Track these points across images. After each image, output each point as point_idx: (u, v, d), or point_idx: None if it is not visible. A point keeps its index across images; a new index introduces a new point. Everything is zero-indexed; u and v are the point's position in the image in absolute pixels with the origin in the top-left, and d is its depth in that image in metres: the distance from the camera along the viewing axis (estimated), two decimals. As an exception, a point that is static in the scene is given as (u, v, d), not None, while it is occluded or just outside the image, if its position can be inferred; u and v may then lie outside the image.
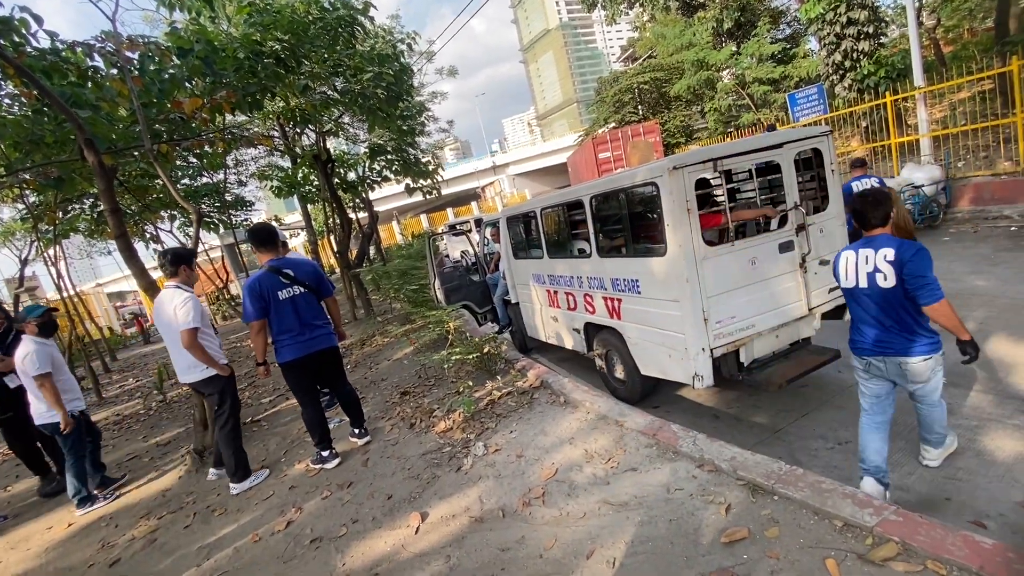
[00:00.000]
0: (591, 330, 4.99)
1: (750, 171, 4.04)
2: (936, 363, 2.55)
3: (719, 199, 3.74)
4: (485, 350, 4.71)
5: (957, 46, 17.91)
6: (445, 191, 48.64)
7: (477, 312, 7.56)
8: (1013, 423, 3.22)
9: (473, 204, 45.85)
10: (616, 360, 4.74)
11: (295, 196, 11.60)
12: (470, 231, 8.82)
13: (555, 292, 5.47)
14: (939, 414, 2.77)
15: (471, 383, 4.57)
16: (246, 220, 15.09)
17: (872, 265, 2.54)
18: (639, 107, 21.56)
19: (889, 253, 2.47)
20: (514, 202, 30.09)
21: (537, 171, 46.98)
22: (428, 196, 12.72)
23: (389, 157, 11.00)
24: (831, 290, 4.09)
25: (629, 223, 4.10)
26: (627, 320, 4.31)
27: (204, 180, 13.74)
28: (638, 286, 4.06)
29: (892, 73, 11.12)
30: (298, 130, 10.96)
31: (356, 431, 4.27)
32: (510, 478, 3.02)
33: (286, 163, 13.24)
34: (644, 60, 22.37)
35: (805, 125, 12.34)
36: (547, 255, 5.46)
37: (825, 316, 4.17)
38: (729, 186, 3.84)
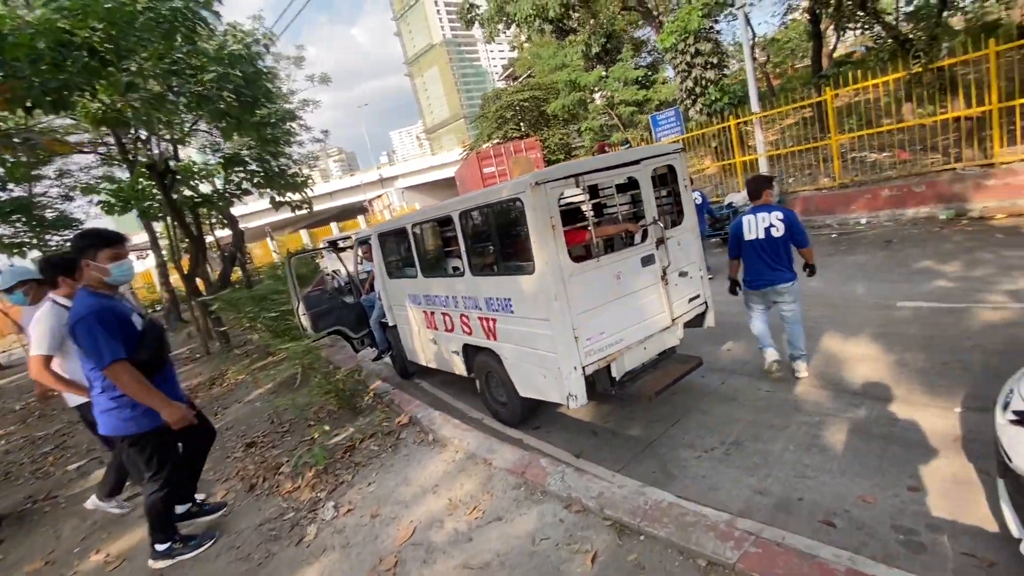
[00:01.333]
0: (470, 352, 4.71)
1: (613, 187, 4.06)
2: (797, 287, 4.03)
3: (585, 215, 3.68)
4: (347, 385, 4.17)
5: (783, 79, 21.01)
6: (329, 204, 46.09)
7: (352, 337, 6.91)
8: (847, 416, 3.50)
9: (360, 218, 43.84)
10: (496, 382, 4.51)
11: (134, 212, 9.89)
12: (350, 247, 8.10)
13: (432, 313, 5.11)
14: (801, 331, 4.07)
15: (328, 427, 4.00)
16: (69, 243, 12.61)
17: (768, 223, 3.91)
18: (521, 124, 22.17)
19: (779, 214, 3.90)
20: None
21: (427, 184, 46.38)
22: (297, 211, 11.67)
23: (250, 168, 9.86)
24: (691, 300, 4.23)
25: (498, 240, 3.90)
26: (503, 341, 4.10)
27: (16, 193, 11.22)
28: (511, 305, 3.86)
29: (734, 100, 12.57)
30: (142, 137, 9.36)
31: (153, 549, 3.00)
32: (360, 546, 2.57)
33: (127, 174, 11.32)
34: (524, 79, 23.11)
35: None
36: (421, 274, 5.10)
37: (687, 325, 4.31)
38: (593, 202, 3.79)
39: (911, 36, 8.75)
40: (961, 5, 15.11)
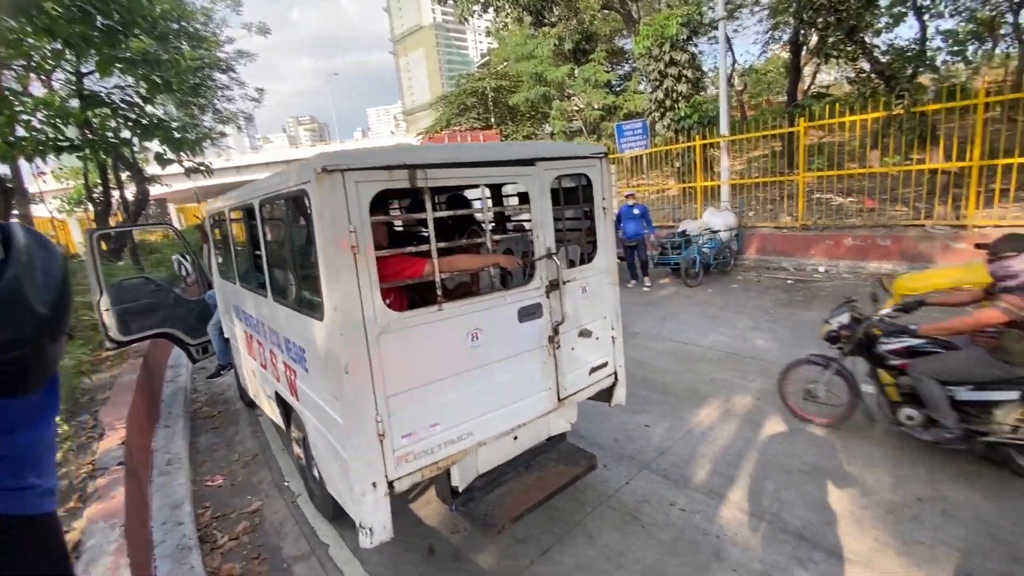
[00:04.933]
0: (284, 404, 3.30)
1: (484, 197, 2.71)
2: None
3: (424, 234, 2.32)
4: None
5: (757, 111, 20.46)
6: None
7: (189, 344, 5.32)
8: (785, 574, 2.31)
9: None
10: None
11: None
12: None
13: (250, 336, 3.68)
14: None
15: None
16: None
17: None
18: (490, 115, 20.74)
19: None
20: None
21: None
22: (193, 176, 9.87)
23: (121, 111, 8.00)
24: (593, 370, 2.96)
25: (291, 254, 2.50)
26: (303, 405, 2.72)
27: None
28: (304, 359, 2.48)
29: (704, 119, 11.60)
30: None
31: None
32: None
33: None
34: (496, 68, 21.72)
35: (631, 158, 12.37)
36: (238, 279, 3.65)
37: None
38: (442, 215, 2.42)
39: (896, 75, 7.96)
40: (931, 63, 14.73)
